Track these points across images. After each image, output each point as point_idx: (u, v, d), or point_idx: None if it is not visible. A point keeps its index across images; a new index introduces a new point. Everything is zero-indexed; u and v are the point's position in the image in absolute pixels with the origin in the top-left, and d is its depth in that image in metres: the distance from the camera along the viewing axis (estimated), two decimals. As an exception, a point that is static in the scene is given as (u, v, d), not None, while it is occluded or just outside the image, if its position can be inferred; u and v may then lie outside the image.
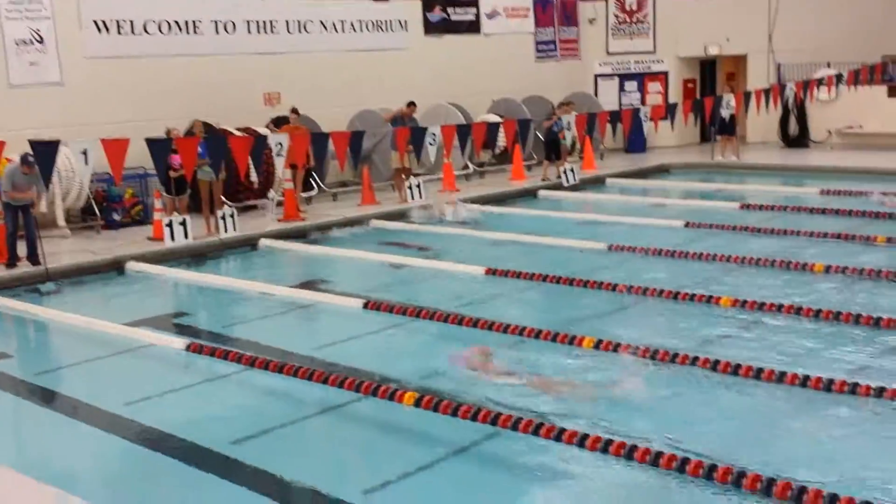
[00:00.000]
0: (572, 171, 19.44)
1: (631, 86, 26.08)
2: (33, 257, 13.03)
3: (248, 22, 19.04)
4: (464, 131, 17.50)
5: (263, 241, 14.97)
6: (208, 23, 18.40)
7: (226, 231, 14.83)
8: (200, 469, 6.85)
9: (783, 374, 7.92)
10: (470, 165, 20.91)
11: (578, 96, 23.90)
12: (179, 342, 9.68)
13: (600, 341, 8.92)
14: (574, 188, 19.29)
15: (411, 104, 17.99)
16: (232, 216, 14.99)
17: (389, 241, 14.82)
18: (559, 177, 19.62)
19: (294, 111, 17.22)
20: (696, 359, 8.35)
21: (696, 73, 26.59)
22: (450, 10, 22.93)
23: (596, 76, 26.22)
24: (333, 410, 7.93)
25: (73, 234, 15.49)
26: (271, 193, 17.02)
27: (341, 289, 11.97)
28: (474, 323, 9.82)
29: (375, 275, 12.92)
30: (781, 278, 11.35)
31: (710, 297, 10.38)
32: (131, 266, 13.48)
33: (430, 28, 22.55)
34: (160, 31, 17.74)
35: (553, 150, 20.12)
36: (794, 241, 13.46)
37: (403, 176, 17.77)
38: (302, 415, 7.92)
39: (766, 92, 20.28)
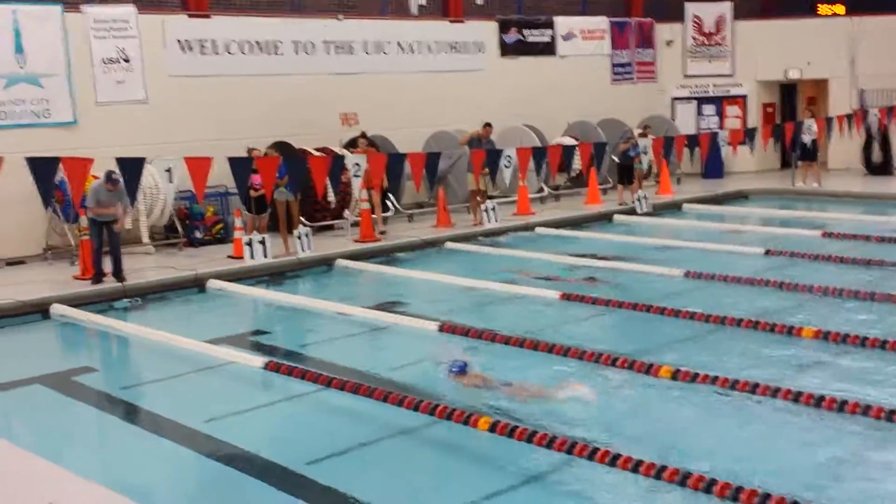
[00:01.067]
0: (645, 198, 19.27)
1: (709, 109, 25.80)
2: (118, 273, 13.33)
3: (326, 43, 19.31)
4: (539, 154, 17.52)
5: (340, 261, 15.12)
6: (289, 43, 18.71)
7: (302, 250, 15.01)
8: (275, 487, 6.91)
9: (868, 407, 7.75)
10: (545, 188, 20.88)
11: (655, 120, 23.73)
12: (258, 360, 9.81)
13: (678, 370, 8.81)
14: (650, 213, 19.12)
15: (488, 125, 18.03)
16: (307, 236, 15.17)
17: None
18: (634, 200, 19.49)
19: (363, 135, 17.33)
20: (777, 390, 8.20)
21: (775, 98, 26.22)
22: (525, 31, 22.97)
23: (673, 99, 26.00)
24: (407, 433, 7.95)
25: (156, 251, 15.83)
26: (346, 213, 17.19)
27: (416, 310, 12.02)
28: (550, 348, 9.79)
29: (450, 297, 12.94)
30: (865, 310, 11.09)
31: (792, 327, 10.19)
32: (212, 283, 13.72)
33: (506, 50, 22.61)
34: (241, 51, 18.09)
35: (626, 174, 19.99)
36: (878, 271, 13.16)
37: (479, 198, 17.80)
38: (376, 436, 7.95)
39: (849, 117, 19.92)
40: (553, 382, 8.79)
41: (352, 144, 18.45)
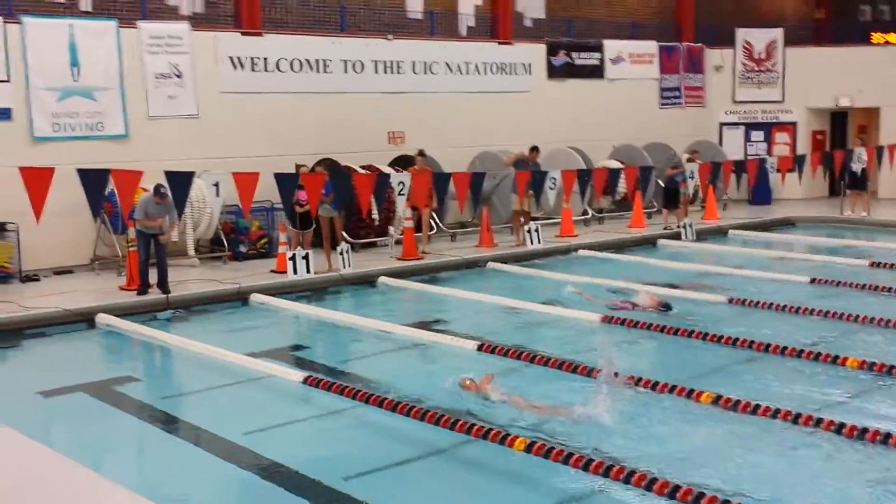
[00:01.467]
0: (691, 226, 19.13)
1: (757, 135, 25.61)
2: (164, 285, 13.49)
3: (375, 62, 19.47)
4: (584, 176, 17.49)
5: (382, 279, 15.18)
6: (338, 62, 18.90)
7: (343, 267, 15.09)
8: (311, 502, 6.93)
9: (912, 441, 7.62)
10: (589, 211, 20.82)
11: (703, 145, 23.60)
12: (297, 375, 9.86)
13: (719, 397, 8.73)
14: (695, 239, 18.99)
15: (535, 149, 18.02)
16: (348, 252, 15.24)
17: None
18: (679, 226, 19.37)
19: (421, 153, 17.40)
20: (819, 421, 8.09)
21: (825, 125, 25.96)
22: (574, 54, 22.99)
23: (721, 124, 25.84)
24: (444, 452, 7.95)
25: (200, 264, 16.01)
26: (391, 230, 17.25)
27: (456, 329, 12.02)
28: (588, 371, 9.75)
29: (491, 317, 12.94)
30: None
31: (836, 357, 10.04)
32: (255, 297, 13.84)
33: (554, 72, 22.64)
34: (292, 68, 18.30)
35: (672, 198, 19.88)
36: (926, 302, 12.96)
37: (522, 219, 17.80)
38: (412, 454, 7.95)
39: (900, 147, 19.66)
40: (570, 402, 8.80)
41: (397, 163, 18.56)
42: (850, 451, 7.66)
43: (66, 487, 6.51)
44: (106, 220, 15.37)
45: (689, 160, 19.98)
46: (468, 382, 9.20)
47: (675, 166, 19.65)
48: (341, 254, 15.14)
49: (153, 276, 13.58)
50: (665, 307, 12.53)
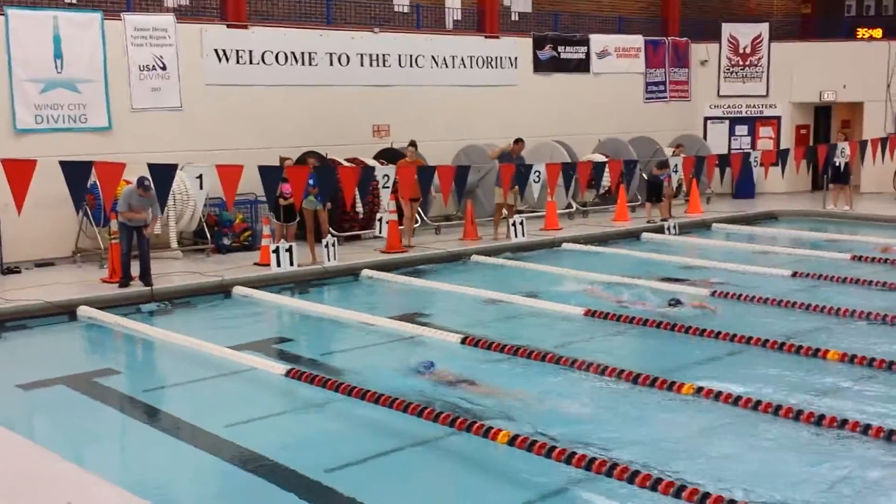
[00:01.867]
0: (675, 226, 19.19)
1: (742, 130, 25.68)
2: (146, 277, 13.45)
3: (361, 55, 19.41)
4: (569, 170, 17.47)
5: (365, 272, 15.17)
6: (323, 55, 18.84)
7: (328, 260, 15.08)
8: (294, 494, 6.93)
9: (892, 431, 7.66)
10: (573, 204, 20.85)
11: (687, 138, 23.63)
12: (280, 367, 9.85)
13: (700, 388, 8.77)
14: (679, 232, 19.05)
15: (519, 141, 18.02)
16: (334, 245, 15.23)
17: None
18: (664, 219, 19.43)
19: (412, 144, 17.32)
20: (800, 413, 8.14)
21: (809, 120, 26.05)
22: (560, 48, 22.99)
23: (706, 119, 25.90)
24: (427, 444, 7.96)
25: (184, 257, 15.95)
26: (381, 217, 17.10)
27: (440, 322, 12.03)
28: (571, 363, 9.78)
29: (474, 310, 12.95)
30: (893, 334, 10.97)
31: (818, 349, 10.10)
32: (238, 290, 13.81)
33: (540, 66, 22.64)
34: (277, 61, 18.24)
35: (655, 191, 19.92)
36: (907, 296, 13.03)
37: (506, 212, 17.80)
38: (395, 446, 7.96)
39: (883, 141, 19.74)
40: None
41: (382, 156, 18.53)
42: (830, 441, 7.71)
43: (47, 480, 6.49)
44: (88, 213, 15.29)
45: (674, 154, 20.01)
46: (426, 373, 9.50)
47: (662, 166, 19.62)
48: (327, 247, 15.12)
49: (135, 269, 13.53)
50: (676, 302, 12.49)
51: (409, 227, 17.03)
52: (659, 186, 19.84)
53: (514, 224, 17.50)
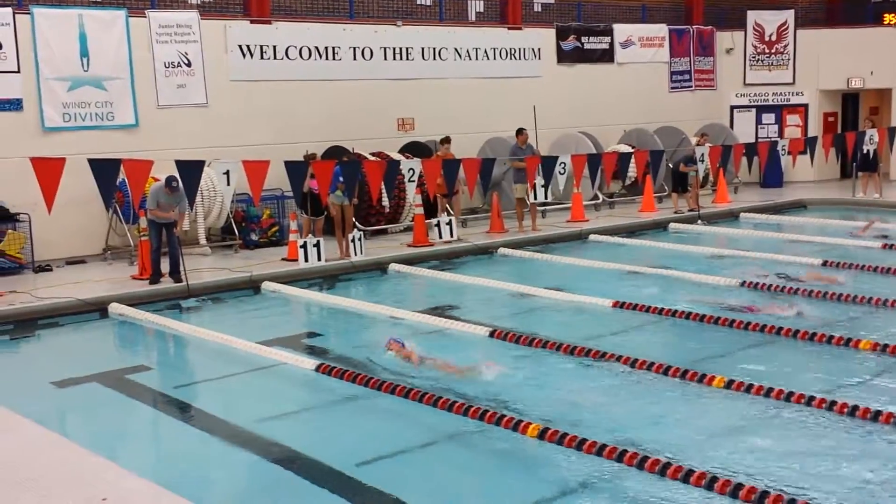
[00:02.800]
0: (701, 219, 19.09)
1: (768, 118, 25.48)
2: (176, 274, 13.54)
3: (384, 49, 19.44)
4: (594, 161, 17.42)
5: (393, 266, 15.19)
6: (347, 49, 18.87)
7: (354, 254, 15.11)
8: (325, 489, 6.95)
9: (926, 424, 7.61)
10: (599, 196, 20.78)
11: (713, 128, 23.48)
12: (309, 362, 9.89)
13: (731, 381, 8.72)
14: (707, 222, 18.95)
15: (520, 131, 17.82)
16: (360, 240, 15.26)
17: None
18: (691, 210, 19.33)
19: (446, 140, 17.25)
20: (833, 403, 8.08)
21: (837, 107, 25.80)
22: (583, 38, 22.91)
23: (732, 107, 25.72)
24: (456, 437, 7.96)
25: (212, 253, 16.05)
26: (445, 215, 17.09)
27: (468, 316, 12.02)
28: (601, 356, 9.75)
29: (502, 303, 12.95)
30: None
31: (849, 339, 10.02)
32: (266, 285, 13.87)
33: (563, 56, 22.56)
34: (301, 56, 18.28)
35: (681, 181, 19.81)
36: (939, 284, 12.90)
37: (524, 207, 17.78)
38: (425, 440, 7.98)
39: (913, 128, 19.54)
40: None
41: (407, 149, 18.55)
42: (862, 432, 7.65)
43: (81, 476, 6.55)
44: (118, 210, 15.41)
45: (698, 143, 19.88)
46: (394, 345, 10.07)
47: (689, 162, 19.42)
48: (353, 241, 15.15)
49: (165, 266, 13.61)
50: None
51: (457, 215, 17.00)
52: (685, 176, 19.73)
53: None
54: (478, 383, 9.16)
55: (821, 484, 6.71)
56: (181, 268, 13.54)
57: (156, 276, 13.54)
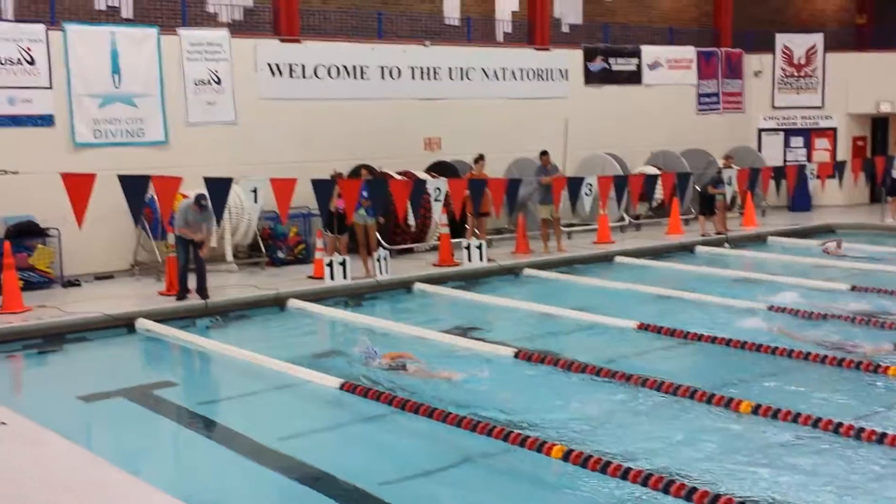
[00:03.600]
0: (728, 242, 19.05)
1: (797, 141, 25.36)
2: (202, 291, 13.60)
3: (412, 68, 19.51)
4: (621, 183, 17.38)
5: (418, 285, 15.20)
6: (375, 68, 18.96)
7: (380, 273, 15.13)
8: (349, 508, 6.97)
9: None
10: (626, 217, 20.73)
11: (741, 151, 23.41)
12: (334, 381, 9.89)
13: (759, 406, 8.65)
14: (734, 246, 18.86)
15: (544, 153, 17.86)
16: (385, 259, 15.27)
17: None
18: (718, 233, 19.25)
19: (479, 158, 17.27)
20: (861, 431, 7.99)
21: (866, 131, 25.65)
22: (611, 60, 22.91)
23: (760, 130, 25.62)
24: (480, 458, 7.94)
25: (239, 270, 16.11)
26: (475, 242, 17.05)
27: (493, 336, 12.01)
28: (627, 378, 9.70)
29: (527, 324, 12.92)
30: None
31: (878, 365, 9.92)
32: (292, 303, 13.90)
33: (591, 77, 22.57)
34: (329, 75, 18.38)
35: (708, 204, 19.73)
36: (969, 311, 12.75)
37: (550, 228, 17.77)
38: (449, 461, 7.96)
39: (943, 153, 19.38)
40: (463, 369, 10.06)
41: (434, 168, 18.59)
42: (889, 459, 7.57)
43: (106, 491, 6.58)
44: (146, 226, 15.52)
45: (724, 166, 19.81)
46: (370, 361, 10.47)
47: (717, 183, 19.34)
48: (378, 261, 15.17)
49: (192, 282, 13.68)
50: None
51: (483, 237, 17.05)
52: (712, 199, 19.66)
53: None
54: (503, 403, 9.13)
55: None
56: (207, 284, 13.61)
57: (182, 293, 13.60)
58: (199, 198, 13.23)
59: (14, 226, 14.56)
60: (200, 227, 13.56)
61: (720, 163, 21.12)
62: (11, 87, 15.03)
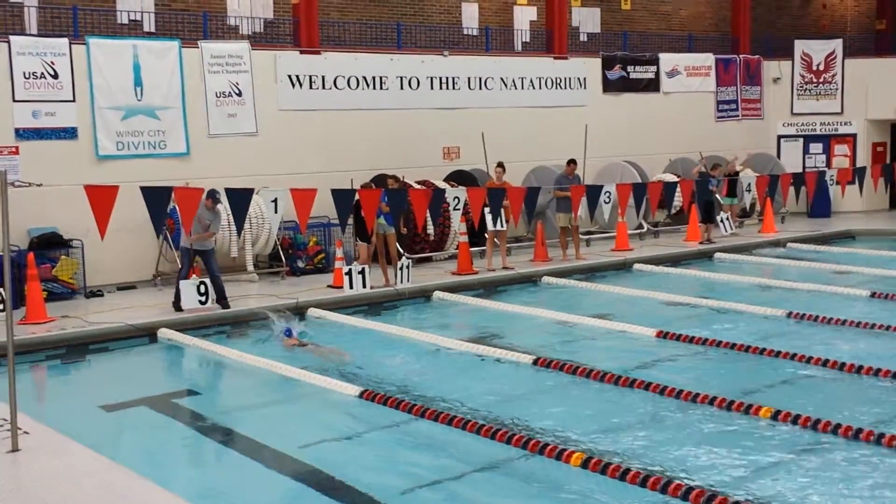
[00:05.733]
0: (728, 219, 19.01)
1: (816, 148, 25.28)
2: (222, 300, 13.71)
3: (431, 78, 19.61)
4: (639, 190, 17.37)
5: (437, 293, 15.26)
6: (394, 79, 19.07)
7: (401, 282, 15.20)
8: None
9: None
10: (644, 225, 20.73)
11: (760, 157, 23.37)
12: (353, 389, 9.96)
13: (778, 412, 8.65)
14: (751, 250, 18.83)
15: (571, 162, 17.90)
16: (408, 268, 15.36)
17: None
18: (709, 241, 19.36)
19: (500, 165, 17.32)
20: (881, 437, 7.99)
21: (886, 137, 25.53)
22: (629, 68, 22.93)
23: (779, 137, 25.56)
24: (499, 465, 7.98)
25: (259, 279, 16.24)
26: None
27: (511, 343, 12.05)
28: (646, 386, 9.73)
29: (546, 331, 12.95)
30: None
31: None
32: (312, 312, 14.00)
33: (609, 86, 22.60)
34: (349, 86, 18.51)
35: (706, 210, 19.69)
36: None
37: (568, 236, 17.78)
38: (468, 468, 7.98)
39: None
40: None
41: (452, 177, 18.66)
42: None
43: (129, 499, 6.67)
44: (168, 237, 15.66)
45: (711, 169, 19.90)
46: (284, 339, 11.88)
47: (716, 167, 19.50)
48: (400, 269, 15.23)
49: (213, 293, 13.76)
50: None
51: (500, 249, 17.07)
52: (711, 203, 19.64)
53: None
54: (521, 411, 9.18)
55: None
56: (226, 294, 13.72)
57: (177, 303, 13.64)
58: (213, 192, 13.31)
59: (38, 237, 14.74)
60: (208, 226, 13.62)
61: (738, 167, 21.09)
62: (36, 100, 15.23)
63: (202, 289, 13.57)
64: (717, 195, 19.74)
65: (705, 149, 22.81)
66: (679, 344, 11.72)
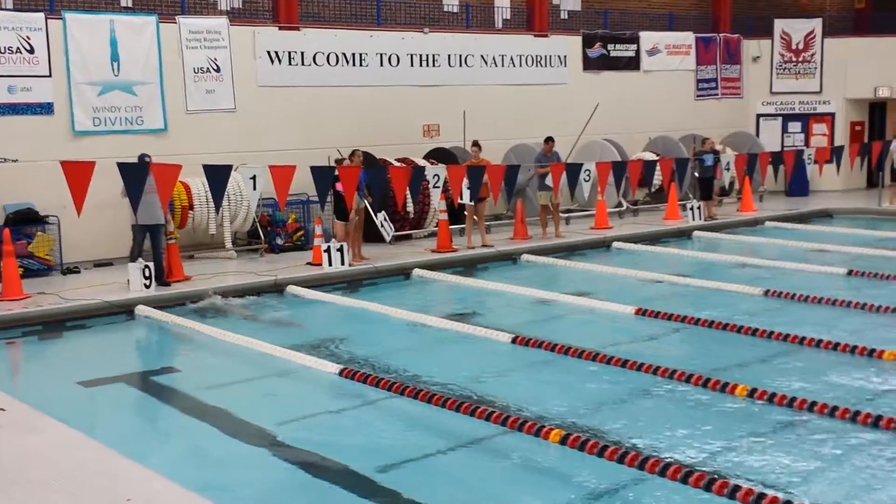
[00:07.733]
0: (699, 208, 19.17)
1: (795, 127, 25.40)
2: (159, 278, 13.61)
3: (411, 55, 19.53)
4: (619, 169, 17.43)
5: (416, 271, 15.26)
6: (374, 55, 18.98)
7: (387, 233, 15.19)
8: (349, 492, 7.01)
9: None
10: (624, 203, 20.78)
11: (739, 136, 23.45)
12: (333, 366, 9.96)
13: (754, 390, 8.72)
14: (729, 230, 18.92)
15: (548, 140, 17.89)
16: (386, 219, 15.30)
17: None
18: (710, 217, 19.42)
19: (475, 144, 17.31)
20: (857, 414, 8.06)
21: (864, 116, 25.69)
22: (609, 46, 22.93)
23: (758, 115, 25.65)
24: (478, 443, 8.01)
25: (238, 256, 16.18)
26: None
27: (490, 321, 12.08)
28: (623, 363, 9.77)
29: (525, 309, 12.99)
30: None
31: (873, 350, 9.98)
32: (291, 289, 13.97)
33: (589, 64, 22.59)
34: (328, 62, 18.40)
35: (706, 187, 19.81)
36: (965, 295, 12.81)
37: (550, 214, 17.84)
38: (447, 445, 8.01)
39: (941, 137, 19.42)
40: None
41: (432, 155, 18.62)
42: (886, 444, 7.64)
43: (106, 476, 6.65)
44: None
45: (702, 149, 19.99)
46: None
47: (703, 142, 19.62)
48: (381, 225, 15.22)
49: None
50: None
51: (479, 226, 17.04)
52: (710, 181, 19.74)
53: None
54: (500, 389, 9.21)
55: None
56: (163, 273, 13.62)
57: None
58: (142, 156, 13.14)
59: (13, 213, 14.61)
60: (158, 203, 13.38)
61: (718, 147, 21.19)
62: (11, 75, 15.05)
63: (147, 272, 13.38)
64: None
65: (685, 128, 22.91)
66: (657, 321, 11.78)
